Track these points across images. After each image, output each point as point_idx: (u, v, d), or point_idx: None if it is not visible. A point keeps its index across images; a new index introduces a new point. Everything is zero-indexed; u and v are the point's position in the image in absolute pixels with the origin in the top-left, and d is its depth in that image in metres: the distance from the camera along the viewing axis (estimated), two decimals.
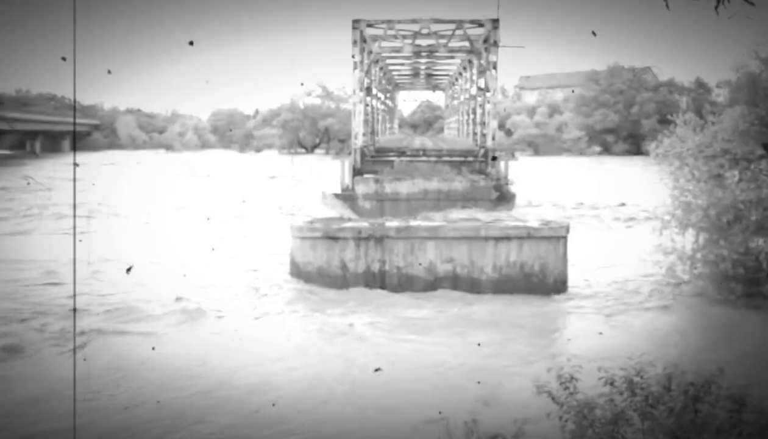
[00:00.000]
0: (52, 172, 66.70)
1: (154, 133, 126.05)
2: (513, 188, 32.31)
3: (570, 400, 7.16)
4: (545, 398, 7.36)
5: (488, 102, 32.44)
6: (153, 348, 14.77)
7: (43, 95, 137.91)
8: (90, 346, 15.33)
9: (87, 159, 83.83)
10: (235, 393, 12.60)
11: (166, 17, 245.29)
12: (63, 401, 11.19)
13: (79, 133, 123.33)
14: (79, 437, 10.08)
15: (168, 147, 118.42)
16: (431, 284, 20.13)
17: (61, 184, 51.10)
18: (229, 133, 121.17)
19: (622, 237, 29.92)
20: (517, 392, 11.40)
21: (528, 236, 20.17)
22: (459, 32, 32.78)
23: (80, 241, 27.88)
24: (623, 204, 39.17)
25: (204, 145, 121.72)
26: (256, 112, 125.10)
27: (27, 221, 35.39)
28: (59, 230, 31.42)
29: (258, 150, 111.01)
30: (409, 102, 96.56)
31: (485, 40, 31.78)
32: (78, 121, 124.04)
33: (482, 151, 32.41)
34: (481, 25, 31.91)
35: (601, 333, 16.32)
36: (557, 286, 19.97)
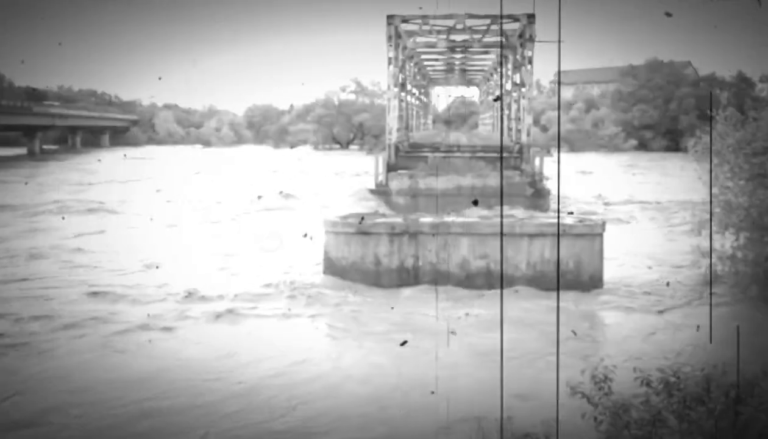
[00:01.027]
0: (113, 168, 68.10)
1: (191, 129, 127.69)
2: (548, 185, 32.00)
3: (605, 400, 7.05)
4: (579, 399, 7.27)
5: (523, 97, 32.11)
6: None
7: (84, 91, 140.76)
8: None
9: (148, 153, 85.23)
10: (266, 393, 12.68)
11: (204, 14, 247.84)
12: None
13: (119, 129, 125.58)
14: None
15: (204, 142, 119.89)
16: (464, 280, 20.04)
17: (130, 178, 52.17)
18: (263, 128, 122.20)
19: (659, 235, 29.44)
20: (549, 391, 11.28)
21: (563, 232, 19.96)
22: (494, 27, 32.52)
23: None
24: (660, 201, 38.55)
25: (240, 140, 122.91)
26: (291, 107, 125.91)
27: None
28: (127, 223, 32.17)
29: (292, 146, 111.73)
30: (443, 97, 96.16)
31: (520, 35, 31.44)
32: (117, 116, 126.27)
33: (517, 146, 32.11)
34: (516, 20, 31.58)
35: (636, 332, 16.08)
36: (592, 283, 19.73)
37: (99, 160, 72.78)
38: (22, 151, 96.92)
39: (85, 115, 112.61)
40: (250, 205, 37.84)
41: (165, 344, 15.44)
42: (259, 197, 35.10)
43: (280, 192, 39.26)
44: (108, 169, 65.46)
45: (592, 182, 49.05)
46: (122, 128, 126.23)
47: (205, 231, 30.93)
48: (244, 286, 20.32)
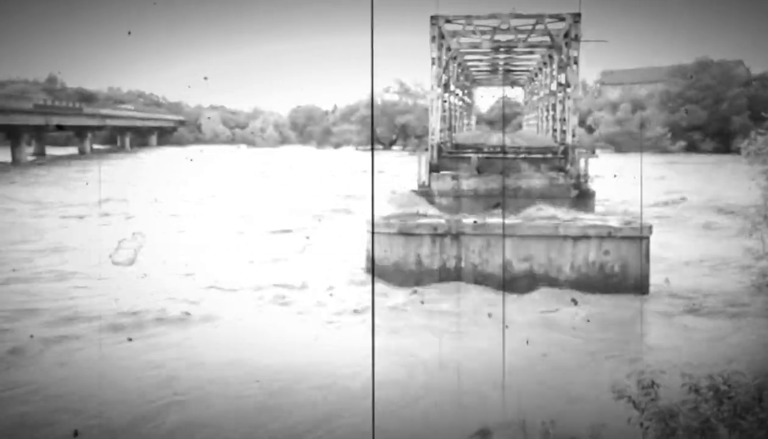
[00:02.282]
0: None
1: (236, 129, 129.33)
2: (593, 186, 31.46)
3: (651, 406, 6.90)
4: (625, 403, 7.13)
5: (568, 98, 31.67)
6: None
7: (133, 92, 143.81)
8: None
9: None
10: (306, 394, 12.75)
11: (247, 15, 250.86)
12: None
13: (166, 129, 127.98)
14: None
15: (249, 143, 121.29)
16: (507, 282, 19.86)
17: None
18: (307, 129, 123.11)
19: (709, 238, 28.75)
20: (594, 395, 11.11)
21: (608, 235, 19.64)
22: (539, 27, 32.14)
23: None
24: (710, 204, 37.64)
25: (284, 140, 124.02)
26: (335, 108, 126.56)
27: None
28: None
29: (336, 146, 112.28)
30: (486, 98, 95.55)
31: (566, 35, 30.99)
32: (164, 117, 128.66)
33: (562, 148, 31.70)
34: (562, 19, 31.14)
35: (684, 338, 15.71)
36: (638, 287, 19.37)
37: (191, 159, 74.34)
38: (73, 150, 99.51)
39: (134, 116, 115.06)
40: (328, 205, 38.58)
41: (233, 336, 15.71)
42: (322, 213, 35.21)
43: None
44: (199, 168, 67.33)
45: (638, 184, 48.11)
46: (169, 129, 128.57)
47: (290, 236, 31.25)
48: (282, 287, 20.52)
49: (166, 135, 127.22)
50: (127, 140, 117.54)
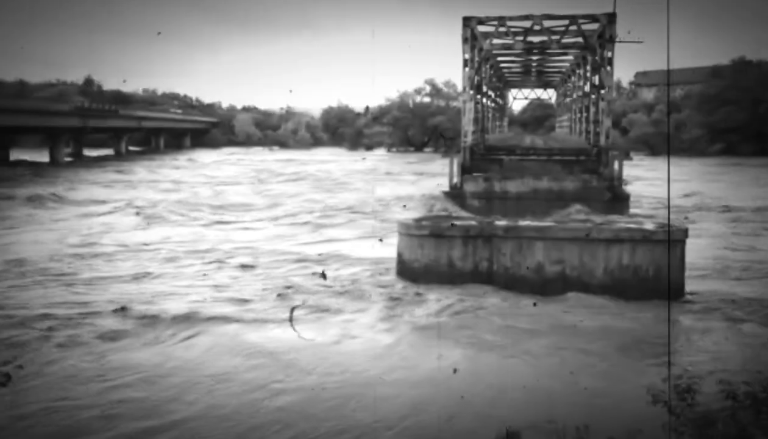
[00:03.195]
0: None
1: (268, 131, 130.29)
2: (627, 189, 31.14)
3: (687, 412, 6.81)
4: (660, 409, 7.05)
5: (602, 99, 31.34)
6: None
7: (168, 95, 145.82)
8: None
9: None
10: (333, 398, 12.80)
11: (282, 17, 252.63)
12: None
13: (199, 131, 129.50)
14: None
15: (282, 144, 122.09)
16: (539, 285, 19.73)
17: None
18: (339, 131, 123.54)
19: (747, 243, 28.20)
20: (629, 400, 10.99)
21: (642, 238, 19.37)
22: (572, 28, 31.87)
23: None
24: (748, 207, 36.94)
25: (316, 142, 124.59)
26: (367, 109, 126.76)
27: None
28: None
29: (368, 148, 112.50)
30: (519, 100, 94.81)
31: (600, 36, 30.69)
32: (198, 118, 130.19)
33: (595, 150, 31.39)
34: (596, 20, 30.87)
35: (720, 344, 15.44)
36: (673, 292, 19.08)
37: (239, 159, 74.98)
38: (109, 152, 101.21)
39: (169, 118, 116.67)
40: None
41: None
42: (404, 206, 35.26)
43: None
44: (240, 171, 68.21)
45: (674, 187, 47.45)
46: (203, 130, 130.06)
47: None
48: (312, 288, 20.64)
49: (199, 136, 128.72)
50: (162, 142, 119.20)
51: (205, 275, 22.25)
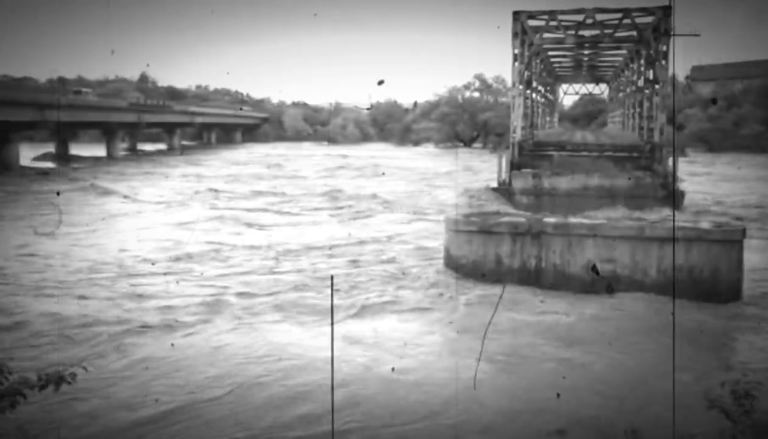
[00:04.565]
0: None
1: (317, 126, 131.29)
2: (682, 186, 30.37)
3: (745, 418, 6.57)
4: (717, 414, 6.83)
5: (656, 94, 30.59)
6: None
7: (219, 91, 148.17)
8: None
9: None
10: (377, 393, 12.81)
11: (332, 13, 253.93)
12: None
13: (250, 126, 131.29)
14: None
15: (330, 139, 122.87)
16: (589, 284, 19.39)
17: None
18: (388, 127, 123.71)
19: None
20: (684, 404, 10.70)
21: (698, 238, 18.83)
22: (626, 21, 31.19)
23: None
24: None
25: (364, 137, 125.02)
26: (415, 105, 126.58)
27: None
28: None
29: (416, 143, 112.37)
30: (570, 95, 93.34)
31: (655, 29, 29.94)
32: (249, 114, 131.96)
33: (649, 146, 30.67)
34: (651, 13, 30.13)
35: None
36: (730, 293, 18.51)
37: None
38: (162, 146, 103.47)
39: (221, 113, 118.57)
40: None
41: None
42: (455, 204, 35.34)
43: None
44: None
45: (732, 185, 46.14)
46: (253, 125, 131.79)
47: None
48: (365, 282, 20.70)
49: (250, 132, 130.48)
50: (213, 137, 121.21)
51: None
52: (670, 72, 30.71)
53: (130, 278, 21.12)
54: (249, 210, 36.62)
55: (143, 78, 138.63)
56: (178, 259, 23.94)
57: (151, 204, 40.01)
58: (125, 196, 42.81)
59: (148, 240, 27.85)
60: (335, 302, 18.69)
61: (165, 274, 21.50)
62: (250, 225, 31.98)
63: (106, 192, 44.72)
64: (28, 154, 71.87)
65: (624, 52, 44.16)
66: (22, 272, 21.66)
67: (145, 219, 34.40)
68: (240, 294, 19.23)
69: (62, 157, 76.62)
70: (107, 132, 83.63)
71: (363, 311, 17.80)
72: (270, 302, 18.48)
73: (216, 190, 45.18)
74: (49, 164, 70.25)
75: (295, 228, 31.38)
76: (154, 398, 11.87)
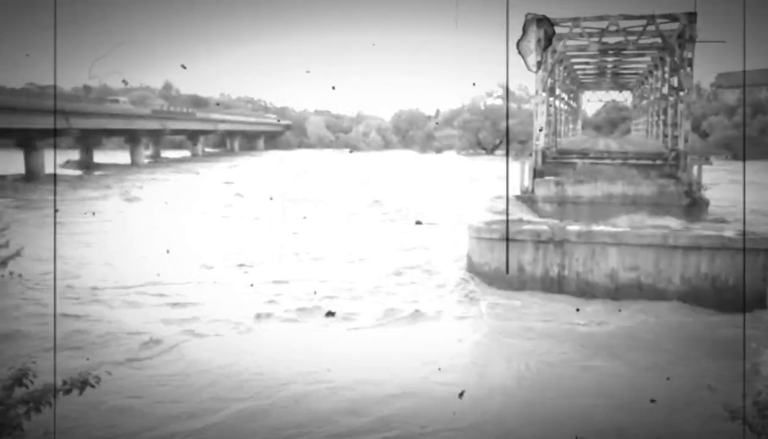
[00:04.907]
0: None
1: (340, 134, 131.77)
2: (707, 195, 30.01)
3: None
4: (739, 425, 6.75)
5: (681, 102, 30.31)
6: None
7: (242, 98, 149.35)
8: None
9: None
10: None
11: (352, 19, 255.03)
12: None
13: (273, 133, 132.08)
14: None
15: (353, 147, 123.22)
16: (612, 292, 19.24)
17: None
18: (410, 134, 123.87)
19: None
20: (705, 415, 10.59)
21: (722, 246, 18.63)
22: (650, 28, 30.96)
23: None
24: None
25: (386, 145, 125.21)
26: (437, 112, 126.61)
27: None
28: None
29: (438, 151, 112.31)
30: (593, 102, 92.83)
31: (680, 36, 29.69)
32: (271, 121, 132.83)
33: (673, 154, 30.39)
34: (675, 19, 29.87)
35: None
36: (756, 303, 18.26)
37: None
38: (186, 153, 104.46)
39: (244, 121, 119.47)
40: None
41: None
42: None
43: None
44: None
45: (757, 193, 45.46)
46: (276, 133, 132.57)
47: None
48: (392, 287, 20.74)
49: (273, 139, 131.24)
50: (236, 144, 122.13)
51: None
52: (695, 80, 30.39)
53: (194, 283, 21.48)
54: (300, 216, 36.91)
55: (167, 86, 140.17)
56: (241, 265, 24.28)
57: (188, 210, 40.43)
58: (165, 203, 43.17)
59: (207, 245, 28.36)
60: (356, 308, 18.72)
61: (222, 278, 22.00)
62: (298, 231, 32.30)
63: (149, 200, 44.90)
64: (51, 161, 72.65)
65: (648, 59, 43.84)
66: (75, 277, 21.86)
67: (192, 223, 34.86)
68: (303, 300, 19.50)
69: (87, 164, 77.60)
70: (131, 139, 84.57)
71: (392, 316, 17.90)
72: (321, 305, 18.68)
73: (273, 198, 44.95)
74: (75, 171, 71.13)
75: (342, 233, 31.72)
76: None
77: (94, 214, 34.84)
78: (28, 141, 61.80)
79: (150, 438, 10.94)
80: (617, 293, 19.19)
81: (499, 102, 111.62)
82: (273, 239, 29.87)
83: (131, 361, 14.37)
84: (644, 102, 59.21)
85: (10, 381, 6.40)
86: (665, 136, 35.50)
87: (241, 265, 24.27)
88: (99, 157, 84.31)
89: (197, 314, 17.86)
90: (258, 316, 17.66)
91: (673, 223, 22.19)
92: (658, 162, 31.08)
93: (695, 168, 29.16)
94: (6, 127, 56.94)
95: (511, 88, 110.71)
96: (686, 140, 29.32)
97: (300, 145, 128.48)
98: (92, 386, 6.52)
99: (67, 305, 18.74)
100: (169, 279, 21.58)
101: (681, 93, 30.20)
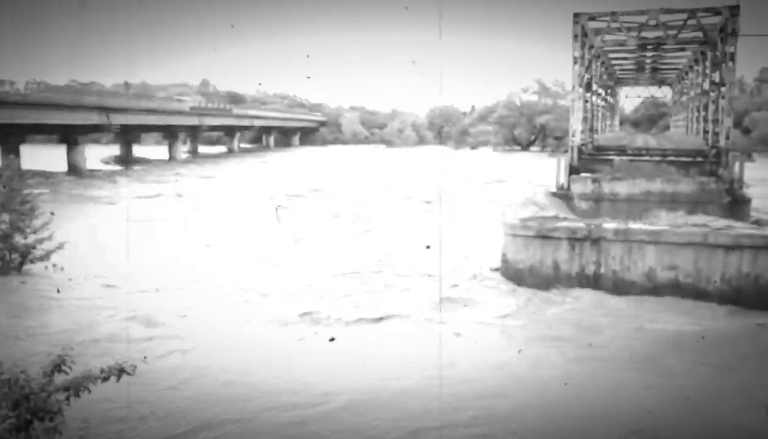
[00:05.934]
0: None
1: (374, 130, 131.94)
2: (749, 192, 29.35)
3: None
4: None
5: (722, 97, 29.68)
6: None
7: (278, 95, 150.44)
8: None
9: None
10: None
11: (386, 17, 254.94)
12: None
13: (308, 129, 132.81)
14: None
15: (387, 143, 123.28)
16: (650, 291, 18.94)
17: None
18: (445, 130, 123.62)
19: None
20: (745, 418, 10.36)
21: (765, 246, 18.20)
22: (691, 22, 30.35)
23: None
24: None
25: (421, 141, 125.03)
26: (472, 108, 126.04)
27: None
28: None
29: (473, 147, 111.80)
30: (631, 98, 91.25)
31: (722, 30, 29.06)
32: (306, 117, 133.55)
33: (714, 151, 29.79)
34: (717, 13, 29.23)
35: None
36: None
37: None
38: (222, 149, 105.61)
39: (280, 117, 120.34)
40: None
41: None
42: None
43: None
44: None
45: None
46: (311, 129, 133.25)
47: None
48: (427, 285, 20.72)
49: (308, 135, 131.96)
50: (272, 140, 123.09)
51: None
52: (738, 75, 29.70)
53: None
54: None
55: (204, 82, 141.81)
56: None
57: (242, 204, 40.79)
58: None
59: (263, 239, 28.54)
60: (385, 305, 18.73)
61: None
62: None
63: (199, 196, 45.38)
64: (92, 157, 74.07)
65: (688, 54, 43.04)
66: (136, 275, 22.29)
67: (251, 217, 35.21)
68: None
69: (126, 160, 78.96)
70: (170, 135, 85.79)
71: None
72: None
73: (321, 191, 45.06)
74: (115, 167, 72.43)
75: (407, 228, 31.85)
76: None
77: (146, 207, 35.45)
78: (70, 137, 63.13)
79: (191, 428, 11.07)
80: (654, 292, 18.89)
81: (535, 98, 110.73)
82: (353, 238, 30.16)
83: (172, 353, 14.59)
84: (684, 98, 58.14)
85: (50, 368, 6.57)
86: (706, 132, 34.82)
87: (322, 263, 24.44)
88: (137, 152, 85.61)
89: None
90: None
91: (713, 221, 21.75)
92: (698, 159, 30.49)
93: (737, 165, 28.54)
94: (50, 124, 58.25)
95: (547, 83, 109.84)
96: (728, 137, 28.70)
97: (334, 142, 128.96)
98: (128, 374, 6.66)
99: (107, 297, 19.11)
100: (216, 276, 21.88)
101: (722, 88, 29.56)
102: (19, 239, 21.49)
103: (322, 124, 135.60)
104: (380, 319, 17.30)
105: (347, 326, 16.82)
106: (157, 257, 24.63)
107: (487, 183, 53.88)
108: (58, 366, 6.50)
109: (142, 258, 23.70)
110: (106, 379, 6.53)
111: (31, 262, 21.63)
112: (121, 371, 6.60)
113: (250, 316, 17.51)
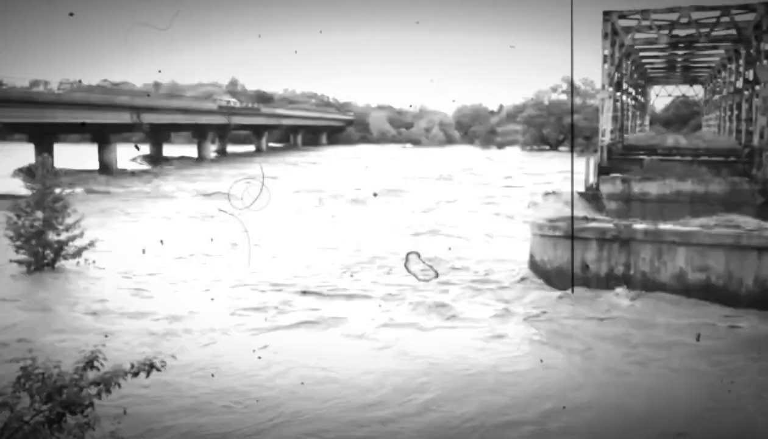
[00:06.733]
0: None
1: (402, 129, 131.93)
2: None
3: None
4: None
5: (756, 96, 29.14)
6: None
7: (306, 94, 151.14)
8: None
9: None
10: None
11: (412, 17, 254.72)
12: None
13: (335, 128, 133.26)
14: None
15: (415, 142, 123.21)
16: (682, 293, 18.66)
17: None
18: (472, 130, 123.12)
19: None
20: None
21: None
22: (724, 19, 29.84)
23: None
24: None
25: (448, 140, 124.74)
26: (501, 108, 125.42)
27: None
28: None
29: (500, 146, 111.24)
30: (662, 97, 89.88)
31: (756, 27, 28.54)
32: (334, 116, 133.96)
33: (747, 150, 29.26)
34: (752, 9, 28.70)
35: None
36: None
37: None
38: (251, 148, 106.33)
39: (308, 116, 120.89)
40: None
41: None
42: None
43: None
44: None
45: None
46: (339, 128, 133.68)
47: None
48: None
49: (335, 134, 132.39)
50: (299, 139, 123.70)
51: None
52: None
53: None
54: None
55: (233, 82, 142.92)
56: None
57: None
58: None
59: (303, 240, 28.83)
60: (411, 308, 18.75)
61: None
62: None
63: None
64: (123, 156, 74.91)
65: (721, 51, 42.33)
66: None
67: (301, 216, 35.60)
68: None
69: (156, 159, 79.83)
70: (198, 134, 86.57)
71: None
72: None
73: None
74: (145, 166, 73.22)
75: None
76: None
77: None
78: (102, 136, 64.02)
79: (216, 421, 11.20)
80: (683, 294, 18.61)
81: (564, 97, 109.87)
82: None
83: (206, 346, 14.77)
84: (716, 97, 57.21)
85: (83, 363, 6.68)
86: (739, 131, 34.24)
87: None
88: (167, 151, 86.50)
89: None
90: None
91: (745, 222, 21.36)
92: (731, 159, 29.99)
93: None
94: (81, 122, 59.10)
95: (576, 82, 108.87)
96: (762, 136, 28.17)
97: (362, 140, 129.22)
98: (158, 370, 6.74)
99: (139, 294, 19.38)
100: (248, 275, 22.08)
101: (756, 87, 29.04)
102: (52, 236, 21.89)
103: (350, 123, 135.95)
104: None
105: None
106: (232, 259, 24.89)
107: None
108: (90, 362, 6.60)
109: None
110: (136, 374, 6.63)
111: (64, 258, 22.02)
112: (150, 367, 6.68)
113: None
